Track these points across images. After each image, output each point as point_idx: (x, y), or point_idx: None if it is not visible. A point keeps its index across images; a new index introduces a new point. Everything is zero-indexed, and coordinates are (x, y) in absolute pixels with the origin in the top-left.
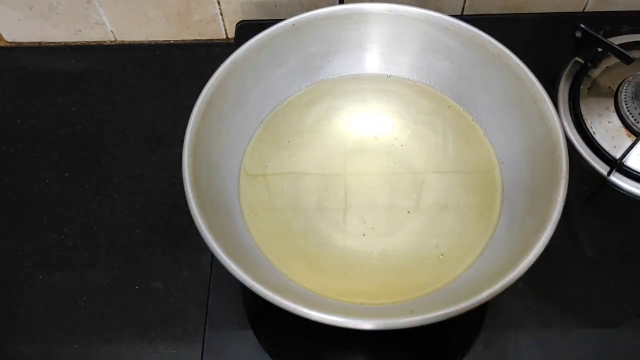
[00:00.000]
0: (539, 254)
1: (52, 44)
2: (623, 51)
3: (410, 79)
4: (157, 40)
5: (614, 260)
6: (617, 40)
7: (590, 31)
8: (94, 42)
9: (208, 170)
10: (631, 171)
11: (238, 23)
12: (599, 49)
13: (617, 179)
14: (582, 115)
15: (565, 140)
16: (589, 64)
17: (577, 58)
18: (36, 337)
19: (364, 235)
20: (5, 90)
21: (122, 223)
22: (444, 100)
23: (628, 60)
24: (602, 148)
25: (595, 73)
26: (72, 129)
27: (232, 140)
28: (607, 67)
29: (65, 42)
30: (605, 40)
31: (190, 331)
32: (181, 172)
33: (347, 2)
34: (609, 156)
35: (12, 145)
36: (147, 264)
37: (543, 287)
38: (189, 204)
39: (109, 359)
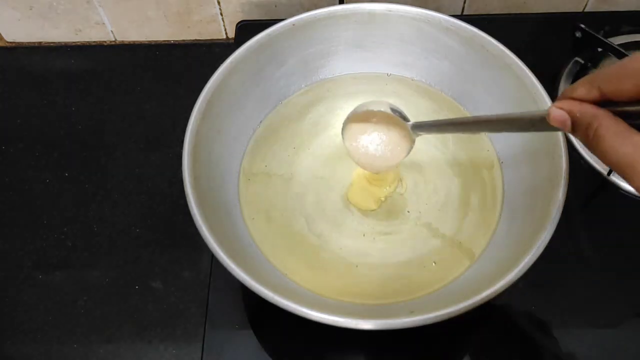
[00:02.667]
0: (539, 254)
1: (52, 44)
2: (623, 51)
3: (410, 78)
4: (157, 40)
5: (614, 260)
6: (617, 40)
7: (590, 31)
8: (94, 42)
9: (208, 170)
10: None
11: (238, 23)
12: (599, 49)
13: (617, 179)
14: None
15: (565, 140)
16: (589, 64)
17: (577, 58)
18: (36, 337)
19: (363, 235)
20: (5, 90)
21: (122, 223)
22: (444, 99)
23: None
24: None
25: None
26: (72, 129)
27: (232, 140)
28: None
29: (65, 42)
30: (605, 40)
31: (190, 331)
32: (181, 172)
33: (347, 2)
34: None
35: (12, 145)
36: (147, 264)
37: (543, 287)
38: (189, 204)
39: (109, 359)
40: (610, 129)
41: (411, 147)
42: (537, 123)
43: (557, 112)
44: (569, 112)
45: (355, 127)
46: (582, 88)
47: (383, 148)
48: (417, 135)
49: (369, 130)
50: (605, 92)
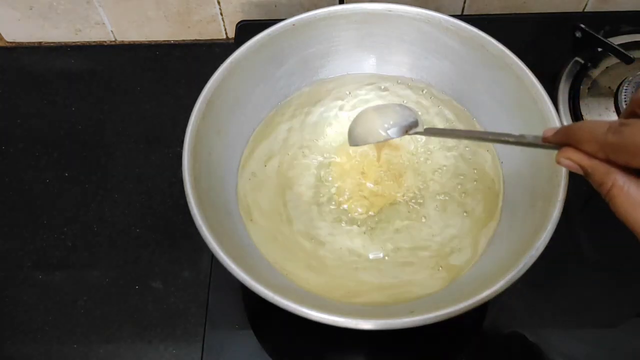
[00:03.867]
0: (539, 254)
1: (52, 44)
2: (623, 51)
3: (411, 78)
4: (157, 40)
5: (614, 260)
6: (617, 40)
7: (590, 31)
8: (94, 42)
9: (208, 170)
10: None
11: (238, 23)
12: (599, 49)
13: None
14: (582, 115)
15: None
16: (589, 64)
17: (577, 58)
18: (36, 337)
19: (364, 234)
20: (5, 90)
21: (122, 223)
22: (444, 99)
23: (628, 60)
24: None
25: (595, 73)
26: (72, 129)
27: (232, 140)
28: (607, 67)
29: (65, 42)
30: (605, 40)
31: (190, 331)
32: (181, 172)
33: (347, 2)
34: None
35: (12, 145)
36: (147, 264)
37: (543, 287)
38: (189, 204)
39: (109, 359)
40: (623, 190)
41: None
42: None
43: (567, 162)
44: (580, 166)
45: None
46: (590, 147)
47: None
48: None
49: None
50: (612, 161)
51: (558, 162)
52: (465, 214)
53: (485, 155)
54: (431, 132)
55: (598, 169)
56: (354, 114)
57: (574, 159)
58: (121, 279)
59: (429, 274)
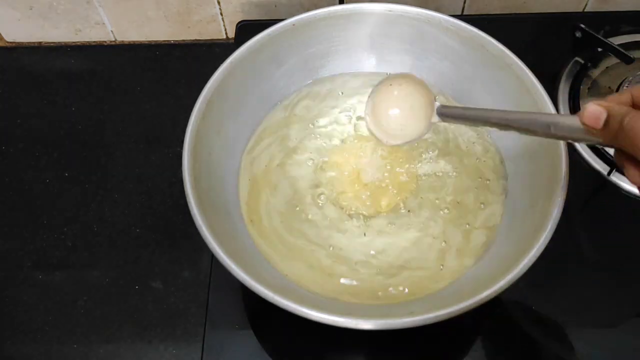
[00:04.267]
0: (540, 253)
1: (52, 44)
2: (623, 51)
3: None
4: (157, 40)
5: (614, 260)
6: (617, 40)
7: (590, 31)
8: (94, 42)
9: (208, 170)
10: None
11: (238, 23)
12: (599, 49)
13: (617, 179)
14: None
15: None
16: (589, 64)
17: (577, 58)
18: (36, 337)
19: (364, 235)
20: (5, 90)
21: (122, 223)
22: (445, 100)
23: (628, 60)
24: (602, 148)
25: (595, 73)
26: (72, 129)
27: (232, 140)
28: (607, 67)
29: (65, 42)
30: (605, 40)
31: (190, 331)
32: (181, 172)
33: (347, 2)
34: (608, 156)
35: (12, 145)
36: (147, 264)
37: (543, 287)
38: (189, 204)
39: (109, 359)
40: None
41: (427, 130)
42: (563, 128)
43: (594, 107)
44: (606, 108)
45: (381, 95)
46: (614, 96)
47: (401, 122)
48: (438, 121)
49: (393, 102)
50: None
51: (582, 117)
52: (465, 214)
53: (486, 155)
54: (451, 112)
55: (622, 108)
56: (354, 115)
57: (602, 103)
58: (121, 279)
59: (431, 273)
